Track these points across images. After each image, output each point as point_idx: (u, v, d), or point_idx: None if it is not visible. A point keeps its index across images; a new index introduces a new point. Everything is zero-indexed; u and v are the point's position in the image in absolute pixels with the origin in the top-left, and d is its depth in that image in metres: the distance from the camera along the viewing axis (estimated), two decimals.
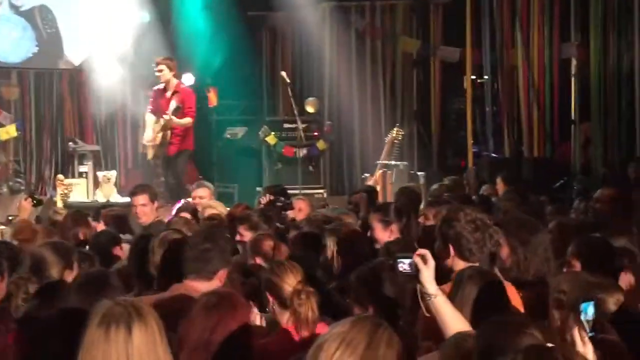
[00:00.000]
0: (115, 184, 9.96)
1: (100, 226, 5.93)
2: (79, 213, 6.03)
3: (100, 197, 9.60)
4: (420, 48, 12.06)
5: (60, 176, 9.66)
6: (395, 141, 10.04)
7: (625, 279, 3.59)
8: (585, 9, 11.11)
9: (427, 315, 2.96)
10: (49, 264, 3.90)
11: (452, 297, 3.09)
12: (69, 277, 3.85)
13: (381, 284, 3.42)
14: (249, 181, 10.68)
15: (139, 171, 11.18)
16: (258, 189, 9.59)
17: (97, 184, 9.88)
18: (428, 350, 3.03)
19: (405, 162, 10.51)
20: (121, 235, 5.38)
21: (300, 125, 10.40)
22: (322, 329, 3.16)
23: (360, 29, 12.11)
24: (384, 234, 5.01)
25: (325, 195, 10.85)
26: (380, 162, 9.95)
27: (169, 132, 8.77)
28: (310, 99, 11.11)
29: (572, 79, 11.49)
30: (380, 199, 8.36)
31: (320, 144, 11.08)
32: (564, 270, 3.80)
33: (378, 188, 9.02)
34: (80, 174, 10.20)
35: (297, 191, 9.95)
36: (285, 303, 3.41)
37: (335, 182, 11.79)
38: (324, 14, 11.95)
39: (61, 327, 2.66)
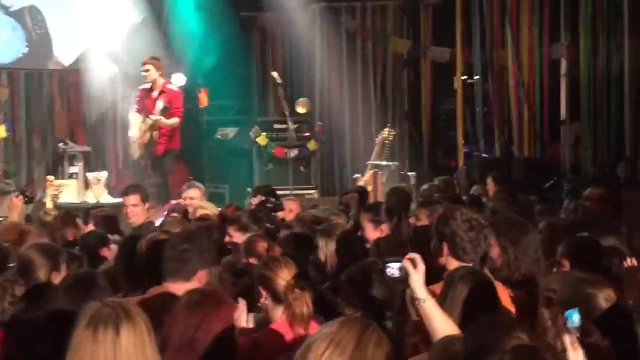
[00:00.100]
0: (106, 185, 9.92)
1: (90, 227, 5.91)
2: (68, 214, 6.01)
3: (91, 198, 9.56)
4: (410, 48, 12.08)
5: (50, 177, 9.62)
6: (386, 142, 10.04)
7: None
8: (575, 10, 11.15)
9: (418, 319, 2.97)
10: (36, 266, 3.88)
11: (442, 297, 3.10)
12: (57, 279, 3.82)
13: (371, 285, 3.42)
14: (240, 182, 10.66)
15: (129, 172, 11.15)
16: (249, 189, 9.58)
17: (87, 185, 9.84)
18: (414, 347, 3.03)
19: (396, 163, 10.52)
20: (110, 236, 5.36)
21: (291, 126, 10.40)
22: (314, 327, 3.16)
23: (350, 30, 12.12)
24: (374, 234, 5.02)
25: (316, 195, 10.84)
26: (371, 162, 9.96)
27: (156, 132, 8.77)
28: (301, 99, 11.11)
29: (562, 79, 11.52)
30: (371, 199, 8.36)
31: (311, 145, 11.07)
32: (554, 270, 3.81)
33: (369, 188, 9.02)
34: (71, 175, 10.15)
35: (288, 192, 9.94)
36: (279, 298, 3.41)
37: (326, 183, 11.79)
38: (314, 14, 11.96)
39: (48, 329, 2.65)
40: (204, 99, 11.35)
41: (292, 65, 12.07)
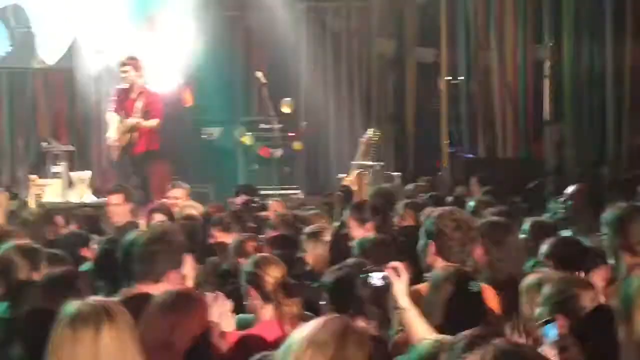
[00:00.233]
0: (90, 185, 9.87)
1: (72, 227, 5.87)
2: (46, 213, 5.97)
3: (74, 198, 9.51)
4: (395, 49, 12.10)
5: (33, 177, 9.56)
6: (371, 142, 10.05)
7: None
8: (558, 12, 11.21)
9: (400, 328, 2.97)
10: (16, 267, 3.84)
11: (428, 297, 3.10)
12: (37, 278, 3.79)
13: (355, 286, 3.41)
14: (225, 181, 10.62)
15: (114, 171, 11.08)
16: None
17: (71, 184, 9.78)
18: (403, 341, 3.02)
19: (381, 163, 10.53)
20: (95, 237, 5.33)
21: (276, 126, 10.39)
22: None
23: (336, 30, 12.12)
24: (359, 232, 5.03)
25: (301, 195, 10.84)
26: (356, 162, 9.96)
27: (135, 134, 8.70)
28: (286, 99, 11.10)
29: (545, 81, 11.58)
30: (356, 199, 8.36)
31: (296, 145, 11.07)
32: (538, 269, 3.82)
33: (354, 188, 9.03)
34: (54, 175, 10.09)
35: (273, 192, 9.93)
36: (268, 296, 3.39)
37: (311, 183, 11.77)
38: (299, 14, 11.95)
39: (28, 328, 2.62)
40: (188, 98, 11.31)
41: (276, 65, 12.05)
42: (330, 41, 12.07)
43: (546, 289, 3.04)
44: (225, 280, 4.25)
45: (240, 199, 6.47)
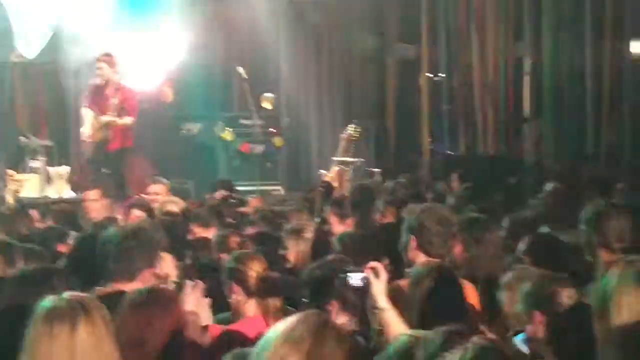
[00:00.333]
0: (68, 180, 9.79)
1: (49, 222, 5.83)
2: (22, 208, 5.93)
3: (52, 193, 9.43)
4: (376, 45, 12.10)
5: (11, 171, 9.47)
6: (352, 138, 10.06)
7: None
8: (538, 10, 11.27)
9: (379, 327, 2.98)
10: None
11: (408, 293, 3.10)
12: (12, 274, 3.75)
13: (334, 283, 3.40)
14: (205, 177, 10.58)
15: (98, 166, 11.00)
16: None
17: (49, 179, 9.70)
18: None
19: (361, 159, 10.55)
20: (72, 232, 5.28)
21: (257, 122, 10.37)
22: None
23: (317, 25, 12.11)
24: (339, 228, 5.04)
25: (282, 191, 10.84)
26: (336, 158, 9.96)
27: (109, 131, 8.62)
28: (267, 95, 11.08)
29: (526, 78, 11.64)
30: (337, 195, 8.37)
31: (277, 141, 11.06)
32: (517, 265, 3.83)
33: (335, 185, 9.03)
34: (32, 169, 10.00)
35: (254, 187, 9.92)
36: (251, 291, 3.38)
37: (292, 179, 11.76)
38: (280, 9, 11.92)
39: (3, 323, 2.60)
40: (168, 94, 11.25)
41: (258, 61, 12.02)
42: (311, 37, 12.06)
43: (524, 286, 3.05)
44: (205, 276, 4.22)
45: (219, 194, 6.46)
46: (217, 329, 3.33)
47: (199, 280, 3.46)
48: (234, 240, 4.60)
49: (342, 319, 3.23)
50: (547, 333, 2.81)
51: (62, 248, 4.75)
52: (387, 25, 12.08)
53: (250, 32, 11.97)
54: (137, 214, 5.54)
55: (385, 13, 12.07)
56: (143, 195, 7.29)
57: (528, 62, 11.58)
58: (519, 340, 2.87)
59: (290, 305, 3.51)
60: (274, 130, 11.02)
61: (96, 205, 6.13)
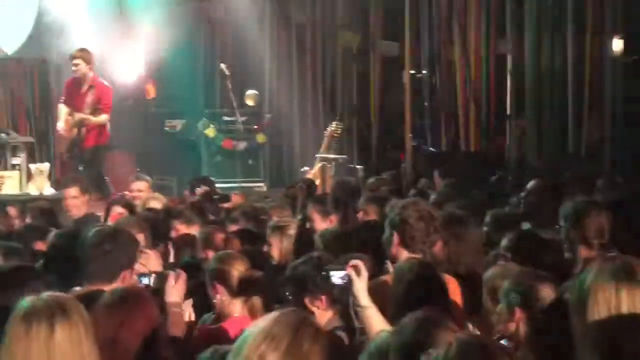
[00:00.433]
0: (49, 177, 9.72)
1: (28, 220, 5.78)
2: (0, 205, 5.86)
3: (33, 190, 9.36)
4: (359, 42, 12.11)
5: None
6: (335, 135, 10.07)
7: None
8: (520, 7, 11.32)
9: (358, 325, 2.98)
10: None
11: (391, 288, 3.11)
12: None
13: (317, 280, 3.40)
14: (188, 174, 10.54)
15: (74, 163, 10.94)
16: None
17: (30, 176, 9.63)
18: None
19: (344, 156, 10.56)
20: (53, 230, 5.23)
21: (240, 118, 10.36)
22: None
23: (300, 23, 12.09)
24: (323, 225, 5.03)
25: (264, 188, 10.83)
26: (319, 155, 9.97)
27: (83, 128, 8.53)
28: (250, 92, 11.06)
29: (508, 75, 11.68)
30: (319, 192, 8.38)
31: (260, 137, 11.05)
32: (499, 262, 3.85)
33: (317, 181, 9.04)
34: (13, 166, 9.93)
35: (236, 184, 9.91)
36: (235, 291, 3.37)
37: (275, 175, 11.76)
38: (264, 6, 11.90)
39: None
40: (151, 90, 11.21)
41: (240, 57, 11.99)
42: (294, 34, 12.04)
43: (505, 283, 3.06)
44: (189, 274, 4.21)
45: (201, 190, 6.43)
46: (204, 329, 3.32)
47: (181, 271, 3.45)
48: (219, 236, 4.58)
49: (328, 314, 3.23)
50: (527, 330, 2.82)
51: (41, 246, 4.71)
52: (370, 22, 12.08)
53: (233, 29, 11.95)
54: (119, 211, 5.51)
55: (368, 10, 12.08)
56: (125, 192, 7.25)
57: (510, 59, 11.62)
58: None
59: (277, 302, 3.50)
60: (257, 127, 11.01)
61: (76, 202, 6.08)
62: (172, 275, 3.41)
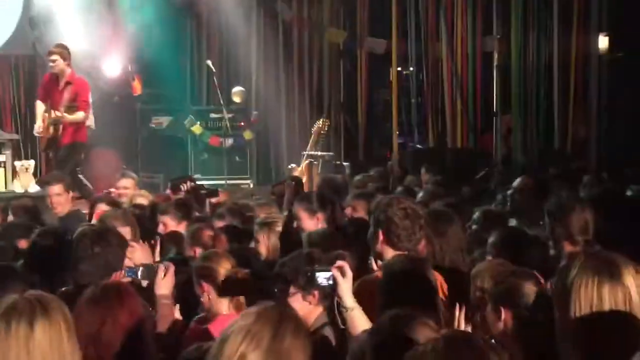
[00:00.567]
0: (35, 174, 9.67)
1: (10, 218, 5.74)
2: None
3: (18, 188, 9.31)
4: (346, 39, 12.11)
5: None
6: (322, 132, 10.06)
7: None
8: (506, 3, 11.35)
9: (342, 327, 2.97)
10: None
11: (382, 285, 3.09)
12: None
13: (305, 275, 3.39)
14: (175, 171, 10.50)
15: (53, 161, 10.87)
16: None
17: (15, 173, 9.57)
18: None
19: (331, 153, 10.55)
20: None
21: (226, 115, 10.33)
22: None
23: (287, 19, 12.08)
24: (310, 223, 5.00)
25: (251, 185, 10.81)
26: (306, 152, 9.95)
27: (59, 126, 8.39)
28: (237, 89, 11.04)
29: (494, 72, 11.72)
30: (306, 189, 8.36)
31: (247, 134, 11.03)
32: (487, 258, 3.85)
33: (304, 179, 9.02)
34: None
35: (223, 181, 9.88)
36: (222, 289, 3.37)
37: (262, 173, 11.74)
38: (250, 3, 11.87)
39: None
40: (137, 86, 11.15)
41: (227, 54, 11.96)
42: (281, 31, 12.03)
43: (490, 280, 3.07)
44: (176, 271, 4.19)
45: (187, 187, 6.39)
46: (194, 327, 3.31)
47: (170, 263, 3.44)
48: (207, 233, 4.56)
49: (319, 310, 3.22)
50: (514, 327, 2.83)
51: (24, 244, 4.67)
52: (357, 19, 12.08)
53: (220, 26, 11.91)
54: (104, 208, 5.48)
55: (355, 7, 12.07)
56: (111, 189, 7.21)
57: (496, 55, 11.65)
58: None
59: (265, 299, 3.49)
60: (244, 124, 10.98)
61: (61, 200, 6.04)
62: (161, 268, 3.40)
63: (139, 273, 3.46)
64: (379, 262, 3.64)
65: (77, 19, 10.50)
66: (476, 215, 4.95)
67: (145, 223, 5.15)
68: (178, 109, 11.43)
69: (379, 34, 11.96)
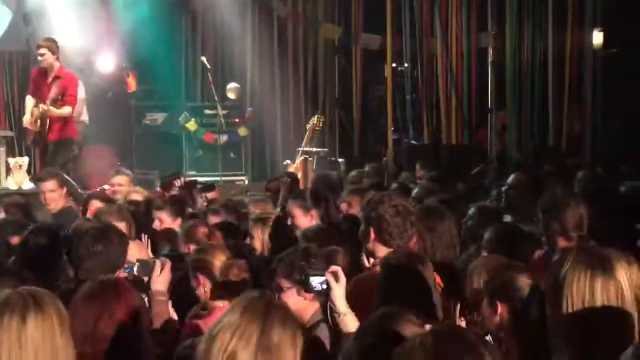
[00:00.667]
0: (29, 171, 9.63)
1: (2, 214, 5.72)
2: None
3: (12, 185, 9.27)
4: (341, 35, 12.10)
5: None
6: (317, 128, 10.05)
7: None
8: (501, 0, 11.35)
9: (336, 327, 2.97)
10: None
11: (381, 282, 3.09)
12: None
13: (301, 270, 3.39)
14: (170, 168, 10.49)
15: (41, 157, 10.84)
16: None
17: (9, 170, 9.53)
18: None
19: (326, 149, 10.55)
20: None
21: (221, 112, 10.32)
22: None
23: (282, 16, 12.06)
24: (304, 220, 5.01)
25: (246, 182, 10.80)
26: (301, 148, 9.95)
27: (46, 121, 8.33)
28: (232, 85, 11.02)
29: (489, 68, 11.72)
30: (301, 185, 8.36)
31: (242, 131, 11.02)
32: (482, 254, 3.85)
33: (299, 175, 9.01)
34: None
35: (218, 178, 9.87)
36: (218, 281, 3.36)
37: (257, 169, 11.74)
38: (246, 0, 11.85)
39: None
40: (132, 83, 11.12)
41: (222, 50, 11.94)
42: (276, 27, 12.01)
43: (486, 276, 3.07)
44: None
45: (180, 181, 6.39)
46: (190, 321, 3.31)
47: (166, 259, 3.43)
48: (201, 230, 4.56)
49: (315, 306, 3.21)
50: (509, 320, 2.83)
51: (16, 241, 4.65)
52: (352, 15, 12.07)
53: (215, 22, 11.89)
54: (97, 205, 5.46)
55: (350, 3, 12.06)
56: (105, 186, 7.20)
57: (491, 52, 11.66)
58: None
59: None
60: (239, 120, 10.97)
61: (54, 196, 6.01)
62: (157, 264, 3.40)
63: (135, 269, 3.46)
64: (371, 260, 3.63)
65: (71, 15, 10.46)
66: (471, 211, 4.96)
67: (140, 219, 5.14)
68: (173, 105, 11.41)
69: (373, 30, 11.95)
